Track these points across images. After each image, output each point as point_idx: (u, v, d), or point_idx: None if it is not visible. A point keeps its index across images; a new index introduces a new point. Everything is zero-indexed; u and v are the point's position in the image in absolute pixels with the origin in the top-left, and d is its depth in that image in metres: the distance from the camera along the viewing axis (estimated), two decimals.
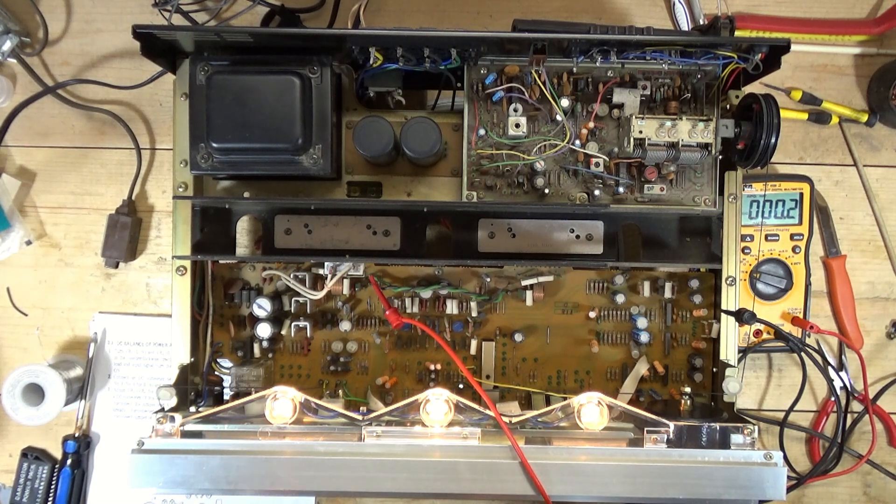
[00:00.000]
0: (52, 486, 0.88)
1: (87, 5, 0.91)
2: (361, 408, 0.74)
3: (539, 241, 0.81)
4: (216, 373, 0.83)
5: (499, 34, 0.71)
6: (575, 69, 0.76)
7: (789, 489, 0.88)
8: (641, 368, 0.84)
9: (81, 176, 0.92)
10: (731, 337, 0.81)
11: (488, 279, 0.84)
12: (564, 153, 0.77)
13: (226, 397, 0.82)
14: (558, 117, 0.76)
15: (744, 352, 0.89)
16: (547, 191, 0.77)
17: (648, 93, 0.76)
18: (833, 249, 0.92)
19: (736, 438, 0.71)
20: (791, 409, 0.89)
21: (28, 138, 0.91)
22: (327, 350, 0.85)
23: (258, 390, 0.75)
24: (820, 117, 0.91)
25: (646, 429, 0.71)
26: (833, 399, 0.91)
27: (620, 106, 0.76)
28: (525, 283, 0.83)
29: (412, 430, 0.72)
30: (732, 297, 0.80)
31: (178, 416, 0.71)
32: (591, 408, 0.72)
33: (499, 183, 0.77)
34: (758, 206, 0.88)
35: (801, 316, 0.89)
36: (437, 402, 0.72)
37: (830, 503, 0.93)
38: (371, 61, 0.73)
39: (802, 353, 0.88)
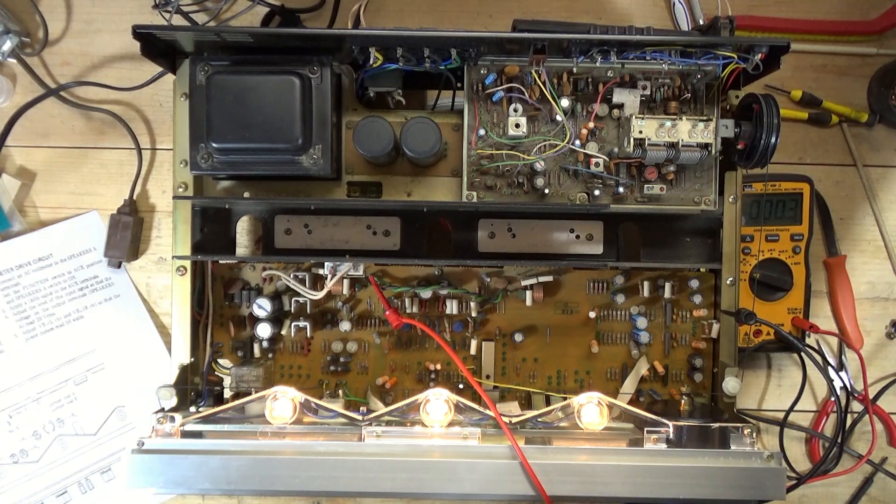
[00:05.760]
0: None
1: (87, 5, 0.91)
2: (361, 408, 0.74)
3: (539, 241, 0.81)
4: (216, 373, 0.83)
5: (499, 34, 0.71)
6: (575, 69, 0.76)
7: (789, 489, 0.88)
8: (641, 368, 0.84)
9: (81, 176, 0.92)
10: (730, 337, 0.81)
11: (488, 279, 0.84)
12: (564, 153, 0.77)
13: (226, 397, 0.82)
14: (558, 117, 0.76)
15: (744, 352, 0.89)
16: (547, 191, 0.77)
17: (648, 93, 0.76)
18: (833, 249, 0.92)
19: (736, 438, 0.71)
20: (791, 409, 0.89)
21: (28, 138, 0.91)
22: (327, 350, 0.85)
23: (258, 390, 0.75)
24: (820, 117, 0.91)
25: (646, 429, 0.71)
26: (833, 399, 0.91)
27: (620, 106, 0.76)
28: (525, 283, 0.83)
29: (412, 430, 0.72)
30: (732, 297, 0.81)
31: (178, 416, 0.71)
32: (591, 408, 0.72)
33: (499, 183, 0.77)
34: (758, 206, 0.88)
35: (801, 316, 0.89)
36: (437, 402, 0.72)
37: (830, 503, 0.93)
38: (371, 61, 0.73)
39: (802, 353, 0.88)
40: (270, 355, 0.85)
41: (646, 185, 0.77)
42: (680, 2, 0.90)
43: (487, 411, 0.71)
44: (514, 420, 0.72)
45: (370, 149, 0.74)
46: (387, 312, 0.82)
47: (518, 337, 0.84)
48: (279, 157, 0.73)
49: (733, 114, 0.77)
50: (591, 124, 0.76)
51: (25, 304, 0.89)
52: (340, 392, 0.83)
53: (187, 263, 0.79)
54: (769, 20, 0.90)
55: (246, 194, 0.79)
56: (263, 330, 0.82)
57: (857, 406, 0.92)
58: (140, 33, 0.70)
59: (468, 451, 0.70)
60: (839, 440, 0.87)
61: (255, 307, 0.81)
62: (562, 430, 0.74)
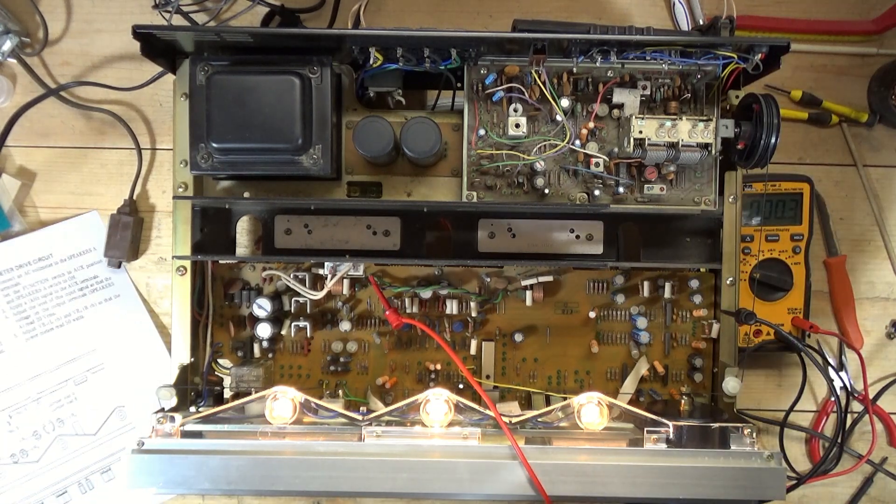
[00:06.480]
0: None
1: (87, 5, 0.91)
2: (361, 408, 0.74)
3: (539, 241, 0.81)
4: (216, 373, 0.83)
5: (499, 34, 0.71)
6: (575, 69, 0.76)
7: (789, 489, 0.88)
8: (641, 368, 0.84)
9: (81, 176, 0.92)
10: (730, 337, 0.81)
11: (488, 279, 0.84)
12: (564, 153, 0.77)
13: (226, 397, 0.82)
14: (558, 117, 0.76)
15: (744, 352, 0.88)
16: (547, 191, 0.77)
17: (648, 93, 0.76)
18: (833, 249, 0.92)
19: (736, 438, 0.71)
20: (791, 409, 0.89)
21: (28, 138, 0.91)
22: (327, 350, 0.85)
23: (258, 390, 0.75)
24: (820, 117, 0.91)
25: (646, 429, 0.71)
26: (833, 399, 0.91)
27: (620, 106, 0.76)
28: (525, 283, 0.83)
29: (412, 430, 0.72)
30: (732, 297, 0.80)
31: (178, 416, 0.71)
32: (591, 408, 0.72)
33: (499, 183, 0.77)
34: (758, 206, 0.88)
35: (801, 316, 0.89)
36: (437, 402, 0.72)
37: (830, 503, 0.93)
38: (371, 61, 0.73)
39: (802, 353, 0.88)
40: (270, 355, 0.85)
41: (646, 185, 0.77)
42: (680, 2, 0.90)
43: (487, 411, 0.71)
44: (514, 420, 0.72)
45: (370, 149, 0.74)
46: (387, 312, 0.82)
47: (518, 337, 0.84)
48: (279, 157, 0.73)
49: (733, 114, 0.77)
50: (591, 124, 0.76)
51: (25, 304, 0.89)
52: (340, 392, 0.83)
53: (187, 263, 0.79)
54: (769, 20, 0.90)
55: (246, 194, 0.79)
56: (263, 330, 0.82)
57: (857, 406, 0.92)
58: (140, 33, 0.70)
59: (468, 451, 0.70)
60: (839, 440, 0.87)
61: (255, 307, 0.81)
62: (562, 430, 0.74)
